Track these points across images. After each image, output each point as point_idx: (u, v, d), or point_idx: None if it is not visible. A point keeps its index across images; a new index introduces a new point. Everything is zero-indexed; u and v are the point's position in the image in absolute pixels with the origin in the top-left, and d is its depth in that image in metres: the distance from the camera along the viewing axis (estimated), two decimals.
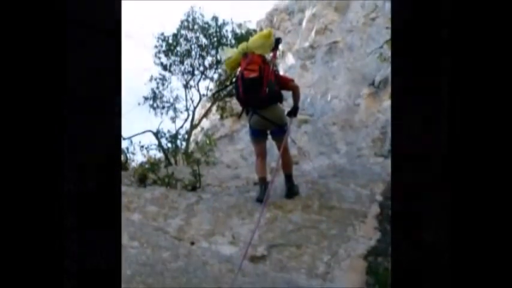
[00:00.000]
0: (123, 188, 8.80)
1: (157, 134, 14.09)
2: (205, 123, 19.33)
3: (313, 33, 22.18)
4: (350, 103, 17.75)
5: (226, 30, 15.58)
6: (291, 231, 7.55)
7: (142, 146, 13.61)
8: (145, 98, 15.82)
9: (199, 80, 15.80)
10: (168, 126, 48.57)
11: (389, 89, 15.06)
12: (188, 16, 15.68)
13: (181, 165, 13.05)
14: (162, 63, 15.70)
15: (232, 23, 15.81)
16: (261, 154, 8.78)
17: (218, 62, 15.14)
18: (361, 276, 6.60)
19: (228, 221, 7.92)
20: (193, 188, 9.77)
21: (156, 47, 15.64)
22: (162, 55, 15.64)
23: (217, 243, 7.25)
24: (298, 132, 17.10)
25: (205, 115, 17.22)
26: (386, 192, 8.64)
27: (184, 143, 14.64)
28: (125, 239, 6.30)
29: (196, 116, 16.30)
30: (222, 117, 17.08)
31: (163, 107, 15.83)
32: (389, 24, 12.70)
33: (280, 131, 8.43)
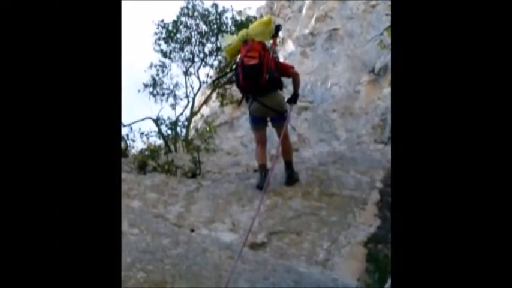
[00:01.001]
0: (123, 175, 8.82)
1: (157, 121, 14.06)
2: (205, 110, 19.33)
3: (313, 20, 22.17)
4: (350, 90, 17.75)
5: (226, 17, 15.54)
6: (291, 218, 7.56)
7: (142, 133, 13.58)
8: (145, 85, 15.77)
9: (199, 67, 15.75)
10: (168, 113, 48.56)
11: (389, 76, 15.07)
12: (188, 3, 15.65)
13: (181, 152, 13.05)
14: (162, 50, 15.65)
15: (232, 9, 15.77)
16: (261, 141, 8.79)
17: (218, 49, 15.10)
18: (361, 263, 6.61)
19: (228, 208, 7.93)
20: (193, 175, 9.79)
21: (156, 33, 15.60)
22: (162, 42, 15.60)
23: (217, 230, 7.26)
24: (298, 119, 17.11)
25: (205, 102, 17.19)
26: (386, 179, 8.66)
27: (184, 130, 14.62)
28: (124, 226, 6.31)
29: (196, 103, 16.26)
30: (222, 104, 17.03)
31: (163, 94, 15.78)
32: (389, 11, 12.71)
33: (280, 118, 8.43)
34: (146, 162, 10.43)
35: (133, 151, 13.13)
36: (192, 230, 7.16)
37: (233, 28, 15.02)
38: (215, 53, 15.47)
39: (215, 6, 15.50)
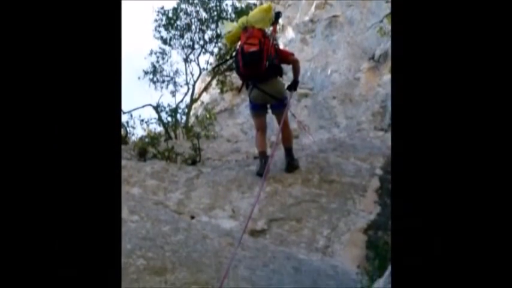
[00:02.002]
0: (123, 162, 8.83)
1: (157, 108, 14.06)
2: (205, 97, 19.26)
3: (313, 8, 22.09)
4: (350, 77, 17.72)
5: (226, 4, 15.47)
6: (290, 205, 7.58)
7: (142, 120, 13.61)
8: (145, 72, 15.73)
9: (199, 54, 15.69)
10: (168, 100, 48.59)
11: (389, 63, 15.03)
12: None
13: (181, 139, 13.07)
14: (162, 37, 15.59)
15: None
16: (261, 128, 8.79)
17: (218, 36, 15.05)
18: (361, 250, 6.63)
19: (228, 195, 7.94)
20: (193, 162, 9.82)
21: (156, 20, 15.55)
22: (162, 29, 15.54)
23: (217, 217, 7.28)
24: (298, 106, 17.09)
25: (205, 89, 17.12)
26: (386, 166, 8.66)
27: (184, 117, 14.61)
28: (124, 213, 6.32)
29: (196, 90, 16.20)
30: (222, 91, 16.97)
31: (163, 81, 15.71)
32: None
33: (280, 105, 8.44)
34: (146, 149, 10.46)
35: (134, 138, 13.16)
36: (192, 217, 7.18)
37: (233, 15, 14.97)
38: (215, 40, 15.42)
39: None
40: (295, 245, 6.63)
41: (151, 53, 15.79)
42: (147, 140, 11.32)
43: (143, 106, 14.38)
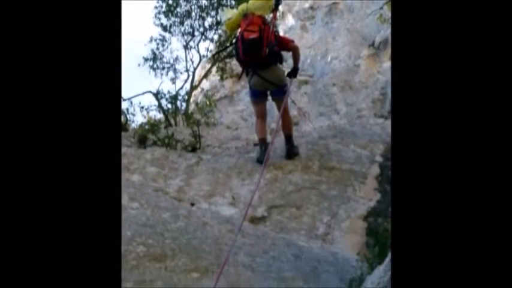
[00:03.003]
0: (123, 149, 8.83)
1: (157, 95, 14.06)
2: (205, 84, 19.22)
3: None
4: (350, 64, 17.73)
5: None
6: (290, 192, 7.58)
7: (142, 107, 13.65)
8: (145, 59, 15.71)
9: (199, 41, 15.65)
10: (168, 87, 48.50)
11: (389, 50, 15.07)
12: None
13: (181, 126, 13.07)
14: (162, 24, 15.55)
15: None
16: (261, 115, 8.80)
17: (218, 23, 15.01)
18: (361, 237, 6.64)
19: (228, 181, 7.95)
20: (193, 149, 9.82)
21: (156, 7, 15.51)
22: (162, 16, 15.50)
23: (217, 204, 7.28)
24: (298, 93, 17.08)
25: (205, 76, 17.07)
26: (386, 153, 8.67)
27: (184, 104, 14.61)
28: (124, 200, 6.31)
29: (196, 77, 16.16)
30: (222, 78, 16.90)
31: (163, 68, 15.67)
32: None
33: (280, 92, 8.44)
34: (146, 136, 10.45)
35: (134, 125, 13.18)
36: (192, 204, 7.18)
37: (233, 2, 14.90)
38: (215, 27, 15.39)
39: None
40: (295, 232, 6.63)
41: (151, 40, 15.76)
42: (147, 127, 11.31)
43: (143, 93, 14.40)
